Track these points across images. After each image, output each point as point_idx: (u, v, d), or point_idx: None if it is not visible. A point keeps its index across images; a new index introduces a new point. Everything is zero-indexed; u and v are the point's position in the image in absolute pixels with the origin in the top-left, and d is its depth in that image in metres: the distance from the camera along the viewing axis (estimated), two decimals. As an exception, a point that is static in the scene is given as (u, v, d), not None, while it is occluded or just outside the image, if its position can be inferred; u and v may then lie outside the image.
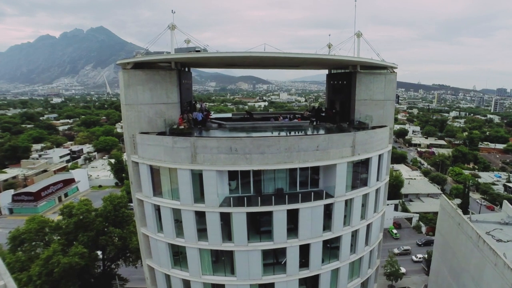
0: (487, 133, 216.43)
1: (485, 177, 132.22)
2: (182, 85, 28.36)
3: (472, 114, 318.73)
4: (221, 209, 24.60)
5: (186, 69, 33.58)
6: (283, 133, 28.82)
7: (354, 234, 30.17)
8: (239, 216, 24.75)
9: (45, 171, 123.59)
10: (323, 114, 33.66)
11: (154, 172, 26.40)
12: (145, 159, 25.88)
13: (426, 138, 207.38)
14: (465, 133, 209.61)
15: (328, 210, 27.60)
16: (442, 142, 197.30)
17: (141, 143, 25.94)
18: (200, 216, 25.51)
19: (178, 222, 26.76)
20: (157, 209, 27.07)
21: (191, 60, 26.37)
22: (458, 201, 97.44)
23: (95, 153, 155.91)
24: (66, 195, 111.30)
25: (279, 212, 25.07)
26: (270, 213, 25.30)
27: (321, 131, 27.88)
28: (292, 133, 27.16)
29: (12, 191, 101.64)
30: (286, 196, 25.25)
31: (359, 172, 29.19)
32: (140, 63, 26.23)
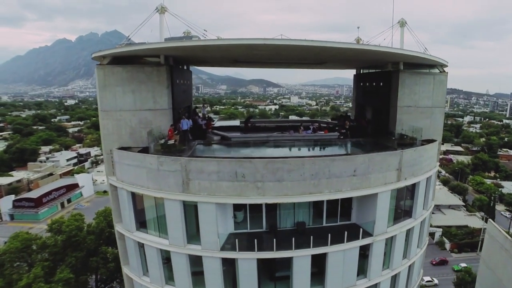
0: (505, 139, 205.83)
1: (509, 186, 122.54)
2: (175, 86, 22.25)
3: (487, 119, 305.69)
4: (223, 253, 18.29)
5: (185, 67, 27.46)
6: (304, 148, 22.48)
7: (394, 278, 23.45)
8: (248, 263, 18.45)
9: (51, 174, 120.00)
10: (353, 124, 27.05)
11: (137, 198, 20.28)
12: (124, 183, 19.77)
13: (442, 144, 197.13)
14: (482, 139, 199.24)
15: (363, 250, 21.00)
16: (459, 148, 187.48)
17: (119, 162, 19.87)
18: (196, 258, 19.22)
19: (168, 262, 20.53)
20: (142, 246, 20.90)
21: (185, 51, 20.06)
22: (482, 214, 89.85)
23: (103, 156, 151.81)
24: (69, 201, 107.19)
25: (301, 258, 18.65)
26: (288, 258, 18.86)
27: (356, 149, 21.28)
28: (317, 149, 20.75)
29: (12, 197, 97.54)
30: (311, 236, 18.78)
31: (403, 199, 22.59)
32: (120, 57, 20.23)
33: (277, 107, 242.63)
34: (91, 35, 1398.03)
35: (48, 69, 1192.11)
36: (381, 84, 25.68)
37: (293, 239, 18.35)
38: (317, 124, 27.76)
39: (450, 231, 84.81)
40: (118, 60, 20.38)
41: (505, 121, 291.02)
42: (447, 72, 24.73)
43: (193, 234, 19.09)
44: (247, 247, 18.40)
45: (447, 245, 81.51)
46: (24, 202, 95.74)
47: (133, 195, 20.01)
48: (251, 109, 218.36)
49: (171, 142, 19.37)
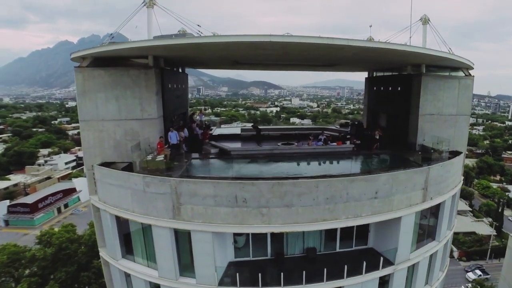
0: (510, 141, 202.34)
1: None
2: (167, 91, 19.65)
3: (489, 121, 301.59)
4: (221, 290, 15.49)
5: (179, 70, 24.79)
6: (314, 163, 19.75)
7: (415, 308, 20.64)
8: (249, 300, 15.62)
9: (49, 178, 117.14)
10: (367, 132, 24.29)
11: (123, 222, 17.56)
12: (107, 205, 17.05)
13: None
14: (486, 142, 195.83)
15: (382, 279, 18.26)
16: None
17: (101, 180, 17.16)
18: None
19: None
20: (129, 275, 18.17)
21: (177, 51, 17.26)
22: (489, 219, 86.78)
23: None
24: (66, 206, 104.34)
25: (312, 294, 15.85)
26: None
27: (374, 164, 18.51)
28: (329, 163, 17.97)
29: (7, 202, 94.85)
30: (323, 266, 16.02)
31: (425, 218, 19.89)
32: (102, 58, 17.57)
33: (278, 109, 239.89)
34: (93, 37, 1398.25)
35: (50, 70, 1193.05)
36: (399, 88, 22.95)
37: (304, 272, 15.56)
38: (329, 134, 24.94)
39: (457, 238, 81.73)
40: (101, 62, 17.72)
41: (508, 123, 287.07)
42: (473, 76, 21.99)
43: (186, 264, 16.37)
44: (249, 281, 15.65)
45: (455, 253, 78.47)
46: (19, 207, 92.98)
47: (118, 218, 17.28)
48: (252, 111, 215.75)
49: (160, 158, 16.63)
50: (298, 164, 18.80)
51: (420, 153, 17.92)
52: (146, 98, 17.79)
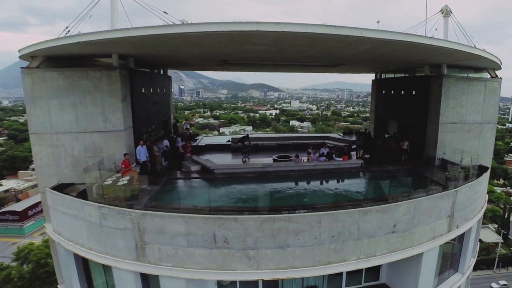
0: (511, 144, 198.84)
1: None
2: (140, 97, 16.48)
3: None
4: None
5: (162, 72, 21.58)
6: (315, 182, 16.56)
7: None
8: None
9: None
10: (376, 143, 21.08)
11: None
12: (62, 237, 13.79)
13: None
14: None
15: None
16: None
17: (54, 208, 13.90)
18: None
19: None
20: (90, 319, 14.87)
21: (142, 46, 13.80)
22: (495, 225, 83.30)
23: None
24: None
25: None
26: None
27: (388, 184, 15.16)
28: (335, 184, 14.69)
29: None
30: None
31: (448, 247, 16.65)
32: (57, 58, 14.39)
33: (277, 112, 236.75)
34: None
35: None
36: (414, 92, 19.75)
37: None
38: (332, 144, 21.69)
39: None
40: (56, 62, 14.54)
41: (508, 125, 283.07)
42: (500, 78, 18.83)
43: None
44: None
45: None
46: (8, 215, 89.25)
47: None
48: (251, 114, 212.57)
49: (124, 180, 13.35)
50: (297, 184, 15.49)
51: (447, 173, 14.61)
52: (109, 105, 14.56)
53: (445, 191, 13.35)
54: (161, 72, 22.60)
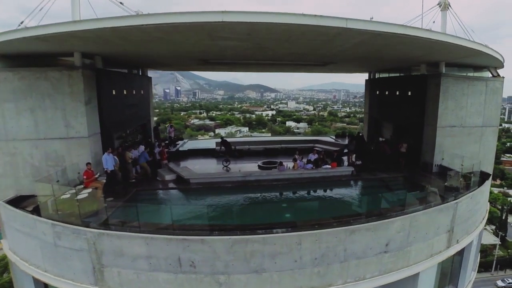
0: (508, 144, 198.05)
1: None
2: (110, 100, 15.08)
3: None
4: None
5: (140, 72, 20.14)
6: (300, 192, 15.16)
7: None
8: None
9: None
10: (369, 147, 19.69)
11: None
12: (17, 256, 12.30)
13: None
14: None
15: None
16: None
17: (7, 224, 12.44)
18: None
19: None
20: None
21: (108, 43, 12.23)
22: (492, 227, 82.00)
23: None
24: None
25: None
26: None
27: (381, 195, 13.75)
28: (322, 193, 13.27)
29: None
30: None
31: (449, 264, 15.26)
32: (13, 56, 12.93)
33: (274, 112, 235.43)
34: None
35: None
36: (409, 93, 18.39)
37: None
38: (322, 148, 20.29)
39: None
40: (13, 61, 13.08)
41: (504, 125, 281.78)
42: (503, 77, 17.51)
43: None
44: None
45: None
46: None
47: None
48: (248, 115, 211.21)
49: (84, 194, 11.88)
50: (281, 195, 14.02)
51: (446, 183, 13.18)
52: (71, 109, 13.10)
53: (444, 204, 11.96)
54: (140, 72, 21.15)
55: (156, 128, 22.53)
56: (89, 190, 12.31)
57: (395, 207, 11.33)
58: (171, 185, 14.79)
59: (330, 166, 15.91)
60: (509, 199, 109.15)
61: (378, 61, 17.57)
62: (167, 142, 21.79)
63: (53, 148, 13.38)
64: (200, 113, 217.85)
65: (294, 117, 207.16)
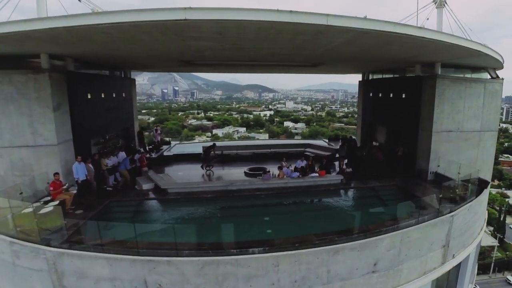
0: (505, 144, 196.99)
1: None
2: (84, 104, 14.14)
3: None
4: None
5: (123, 74, 19.20)
6: (286, 202, 14.25)
7: None
8: None
9: None
10: (361, 153, 18.79)
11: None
12: (-23, 274, 11.34)
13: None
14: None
15: None
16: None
17: (-34, 239, 11.46)
18: None
19: None
20: None
21: (72, 44, 11.22)
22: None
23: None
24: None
25: None
26: None
27: (370, 205, 12.85)
28: (302, 205, 12.33)
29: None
30: None
31: (444, 278, 14.36)
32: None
33: (272, 113, 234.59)
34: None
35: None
36: (403, 96, 17.50)
37: None
38: (312, 153, 19.37)
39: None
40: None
41: (502, 125, 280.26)
42: (502, 78, 16.64)
43: None
44: None
45: (457, 269, 73.06)
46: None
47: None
48: (245, 115, 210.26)
49: (50, 207, 10.97)
50: (261, 208, 13.06)
51: (441, 196, 12.21)
52: (38, 115, 12.17)
53: (439, 217, 11.05)
54: (122, 74, 20.20)
55: (140, 133, 21.56)
56: (56, 202, 11.39)
57: (384, 222, 10.40)
58: (150, 194, 13.85)
59: (318, 174, 14.95)
60: (507, 200, 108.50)
61: (369, 62, 16.65)
62: (151, 147, 20.85)
63: (19, 157, 12.45)
64: (198, 113, 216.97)
65: (292, 117, 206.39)
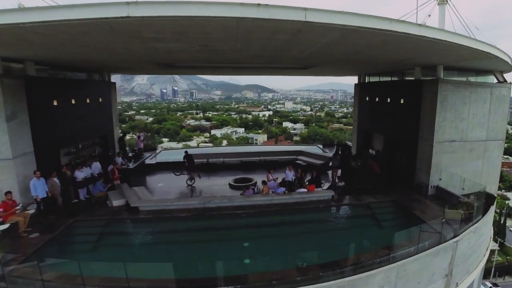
0: (505, 145, 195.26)
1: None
2: (50, 112, 12.74)
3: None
4: None
5: (101, 78, 17.79)
6: (268, 222, 12.88)
7: None
8: None
9: None
10: (356, 163, 17.41)
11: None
12: None
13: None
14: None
15: None
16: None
17: None
18: None
19: None
20: None
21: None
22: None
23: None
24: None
25: None
26: None
27: (364, 227, 11.48)
28: (286, 229, 10.89)
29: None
30: None
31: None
32: None
33: (271, 113, 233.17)
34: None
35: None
36: (402, 101, 16.10)
37: None
38: (303, 161, 17.98)
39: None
40: None
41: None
42: (510, 83, 15.25)
43: None
44: None
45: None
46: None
47: None
48: (244, 116, 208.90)
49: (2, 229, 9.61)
50: (246, 227, 11.64)
51: (443, 219, 10.75)
52: (-13, 124, 10.79)
53: (441, 244, 9.68)
54: (101, 78, 18.80)
55: (121, 139, 20.17)
56: (5, 226, 10.01)
57: (378, 251, 9.02)
58: (120, 213, 12.42)
59: (306, 190, 13.51)
60: (507, 202, 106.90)
61: (363, 64, 15.26)
62: (131, 155, 19.44)
63: (-32, 172, 11.08)
64: (197, 114, 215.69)
65: (291, 117, 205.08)
